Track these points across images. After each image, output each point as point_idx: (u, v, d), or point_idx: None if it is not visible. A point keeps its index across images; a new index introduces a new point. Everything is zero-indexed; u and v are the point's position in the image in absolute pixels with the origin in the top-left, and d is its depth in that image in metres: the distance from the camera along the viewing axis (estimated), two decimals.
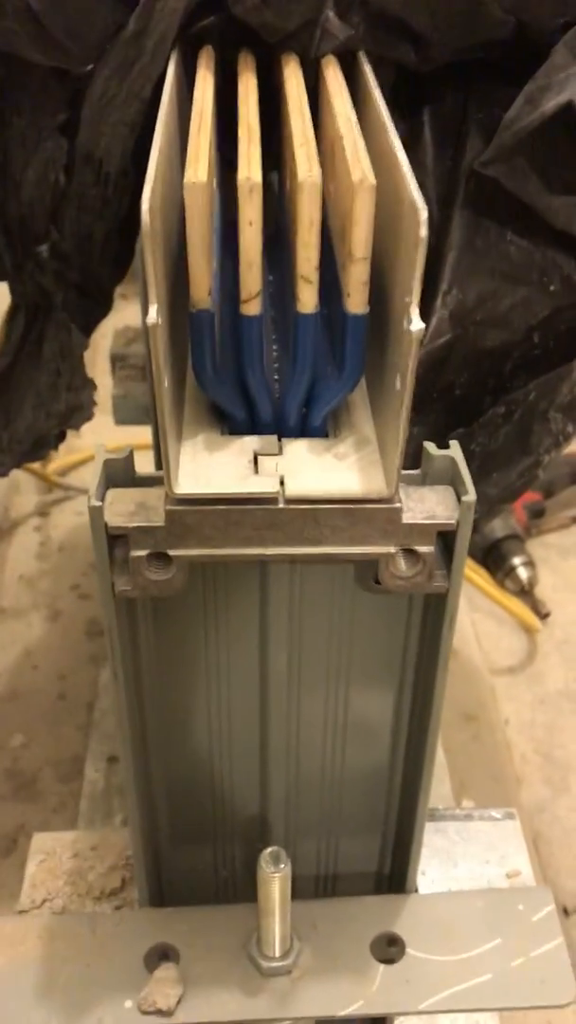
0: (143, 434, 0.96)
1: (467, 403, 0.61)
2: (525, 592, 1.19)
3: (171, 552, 0.37)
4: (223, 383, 0.39)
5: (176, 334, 0.37)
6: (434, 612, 0.42)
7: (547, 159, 0.51)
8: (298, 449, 0.39)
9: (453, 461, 0.39)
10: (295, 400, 0.39)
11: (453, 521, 0.38)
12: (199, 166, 0.34)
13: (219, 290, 0.39)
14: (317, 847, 0.56)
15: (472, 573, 1.16)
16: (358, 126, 0.38)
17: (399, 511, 0.37)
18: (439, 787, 0.80)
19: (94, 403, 0.60)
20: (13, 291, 0.61)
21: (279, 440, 0.40)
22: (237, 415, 0.40)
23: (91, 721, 0.86)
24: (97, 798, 0.74)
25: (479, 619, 1.15)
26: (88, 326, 0.61)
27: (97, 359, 1.02)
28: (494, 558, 1.21)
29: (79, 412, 0.61)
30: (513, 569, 1.19)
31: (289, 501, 0.37)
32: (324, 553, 0.38)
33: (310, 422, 0.40)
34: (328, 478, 0.38)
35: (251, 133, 0.37)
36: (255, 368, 0.38)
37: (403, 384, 0.35)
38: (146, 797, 0.50)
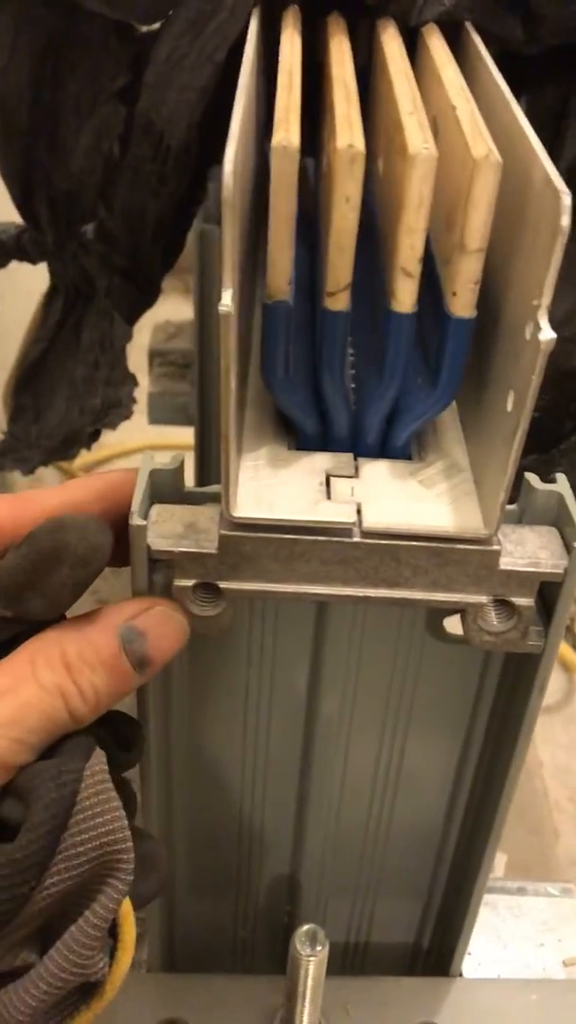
0: (178, 435, 0.91)
1: (546, 427, 0.55)
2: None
3: (222, 584, 0.32)
4: (295, 388, 0.33)
5: (239, 330, 0.32)
6: (518, 671, 0.36)
7: None
8: (378, 472, 0.33)
9: (561, 498, 0.33)
10: (377, 414, 0.33)
11: (560, 570, 0.32)
12: (291, 128, 0.29)
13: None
14: (351, 911, 0.50)
15: None
16: (471, 97, 0.32)
17: (496, 555, 0.31)
18: None
19: (134, 400, 0.55)
20: (53, 272, 0.56)
21: (355, 460, 0.34)
22: (308, 427, 0.34)
23: None
24: None
25: None
26: (132, 316, 0.55)
27: (132, 353, 0.96)
28: None
29: (116, 409, 0.55)
30: None
31: (366, 534, 0.31)
32: (402, 598, 0.32)
33: (392, 441, 0.34)
34: (413, 509, 0.32)
35: (349, 95, 0.32)
36: (335, 373, 0.32)
37: (520, 405, 0.29)
38: (165, 840, 0.44)
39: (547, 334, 0.27)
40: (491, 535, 0.31)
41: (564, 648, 1.09)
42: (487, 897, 0.49)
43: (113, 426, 0.55)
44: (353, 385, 0.36)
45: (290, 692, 0.40)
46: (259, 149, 0.37)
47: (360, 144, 0.28)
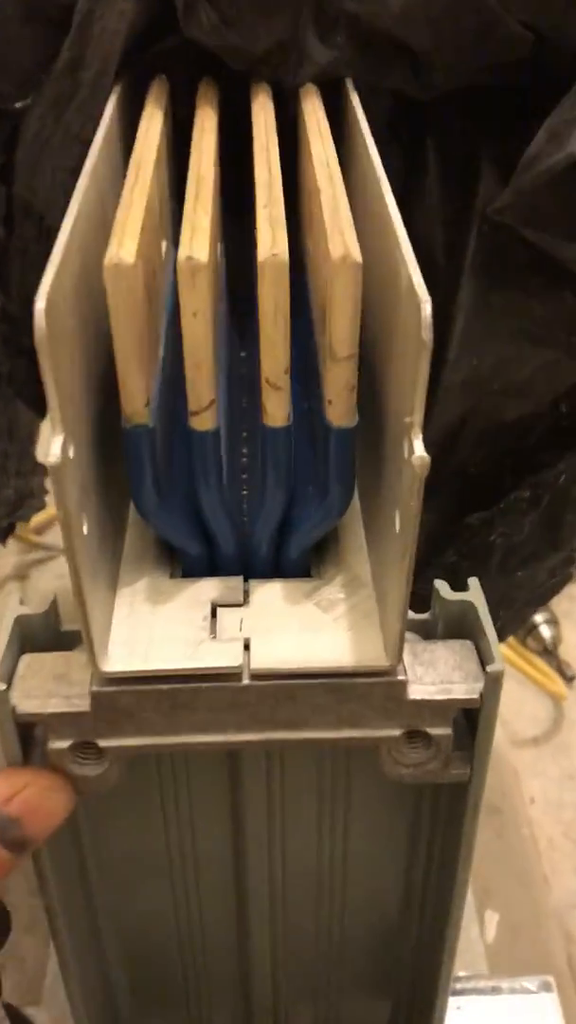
0: None
1: (485, 484, 0.52)
2: (548, 652, 1.09)
3: (101, 743, 0.28)
4: (171, 512, 0.30)
5: (116, 440, 0.28)
6: (451, 800, 0.33)
7: (574, 204, 0.42)
8: (270, 595, 0.30)
9: (473, 608, 0.30)
10: (266, 531, 0.30)
11: (476, 695, 0.28)
12: (125, 241, 0.25)
13: (170, 390, 0.30)
14: (315, 1014, 0.47)
15: None
16: (340, 178, 0.29)
17: (403, 685, 0.28)
18: None
19: (47, 491, 0.52)
20: None
21: (245, 582, 0.30)
22: (192, 550, 0.31)
23: None
24: None
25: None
26: (40, 402, 0.52)
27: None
28: None
29: (30, 500, 0.52)
30: (535, 627, 1.10)
31: (256, 676, 0.28)
32: (305, 739, 0.29)
33: (286, 557, 0.31)
34: (308, 641, 0.28)
35: (201, 190, 0.28)
36: (212, 493, 0.29)
37: (404, 525, 0.25)
38: (94, 960, 0.41)
39: (419, 454, 0.24)
40: (394, 665, 0.28)
41: (550, 676, 1.05)
42: (461, 999, 0.46)
43: (27, 518, 0.52)
44: (246, 490, 0.33)
45: (213, 839, 0.36)
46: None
47: (202, 255, 0.25)
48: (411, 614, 0.31)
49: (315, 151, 0.31)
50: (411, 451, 0.24)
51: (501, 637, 0.52)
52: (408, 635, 0.30)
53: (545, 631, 1.10)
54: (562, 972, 0.77)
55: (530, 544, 0.49)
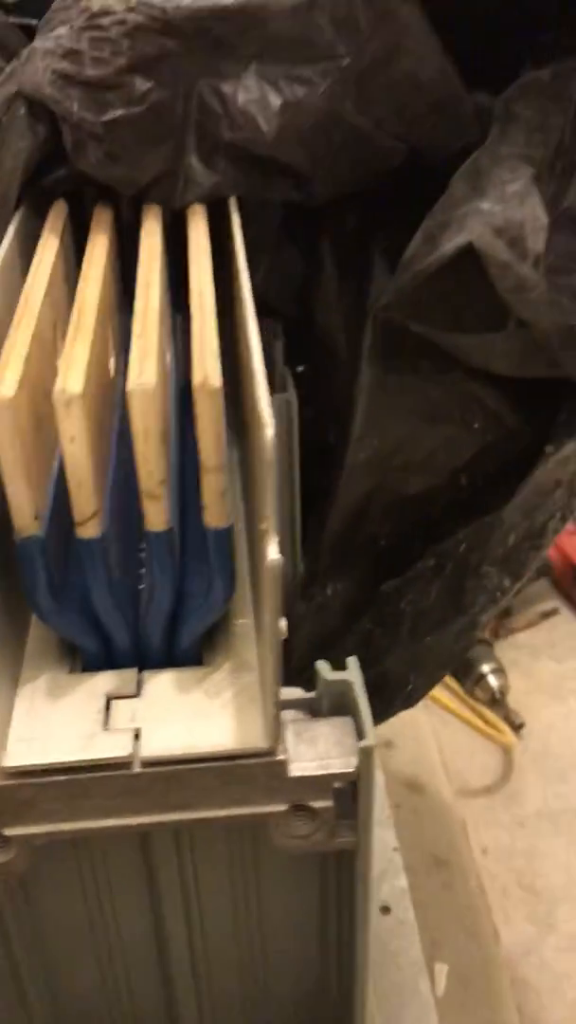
0: None
1: (395, 554, 0.55)
2: (496, 701, 1.12)
3: (6, 832, 0.30)
4: (67, 613, 0.32)
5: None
6: (346, 867, 0.35)
7: (453, 299, 0.46)
8: (162, 686, 0.33)
9: (350, 686, 0.33)
10: (157, 625, 0.33)
11: (352, 768, 0.31)
12: (7, 374, 0.28)
13: (123, 490, 0.33)
14: None
15: (438, 688, 1.09)
16: (211, 304, 0.33)
17: (283, 764, 0.31)
18: (409, 951, 0.72)
19: None
20: None
21: (140, 673, 0.33)
22: (89, 646, 0.33)
23: None
24: None
25: (449, 734, 1.08)
26: None
27: None
28: (462, 665, 1.14)
29: None
30: (483, 677, 1.12)
31: (146, 764, 0.30)
32: (196, 819, 0.31)
33: (178, 646, 0.33)
34: (195, 728, 0.31)
35: (82, 321, 0.32)
36: (102, 594, 0.32)
37: (272, 621, 0.28)
38: None
39: (273, 557, 0.27)
40: (273, 746, 0.30)
41: (497, 726, 1.08)
42: None
43: None
44: (143, 585, 0.36)
45: (133, 914, 0.38)
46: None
47: (76, 387, 0.28)
48: (301, 692, 0.33)
49: (193, 274, 0.35)
50: (264, 554, 0.27)
51: (413, 700, 0.54)
52: (295, 713, 0.33)
53: (492, 680, 1.13)
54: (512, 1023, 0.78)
55: (436, 611, 0.52)
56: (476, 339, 0.48)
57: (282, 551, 0.27)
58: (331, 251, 0.52)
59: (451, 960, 0.77)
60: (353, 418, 0.52)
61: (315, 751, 0.31)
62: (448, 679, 1.12)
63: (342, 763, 0.31)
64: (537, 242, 0.45)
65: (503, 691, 1.12)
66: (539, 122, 0.47)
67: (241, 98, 0.39)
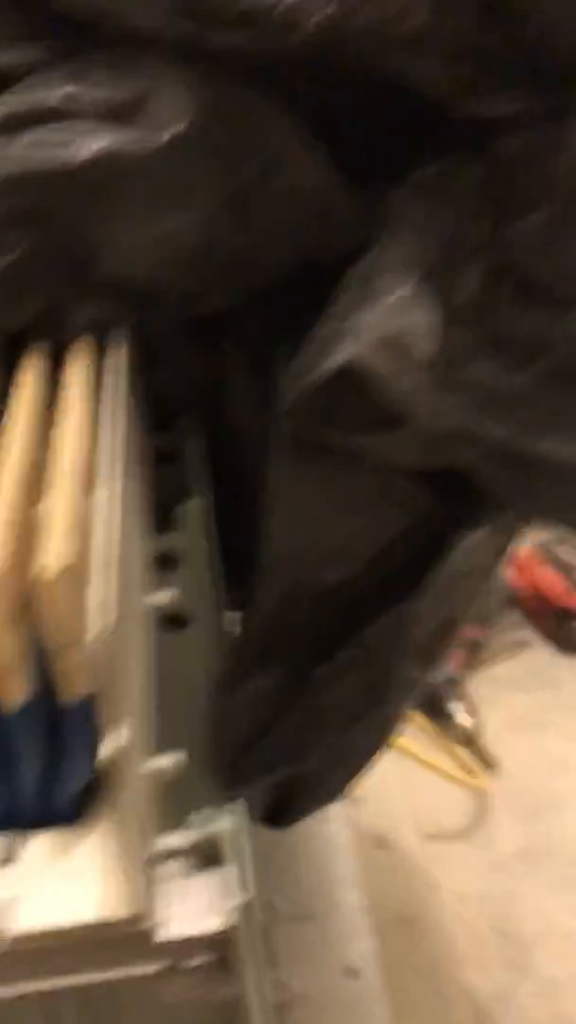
0: None
1: (319, 646, 0.55)
2: (470, 741, 1.12)
3: None
4: None
5: None
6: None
7: (345, 406, 0.46)
8: (37, 850, 0.33)
9: (222, 839, 0.33)
10: (29, 789, 0.33)
11: (222, 929, 0.31)
12: None
13: None
14: None
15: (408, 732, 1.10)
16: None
17: (151, 929, 0.31)
18: (379, 1016, 0.72)
19: None
20: None
21: (15, 838, 0.33)
22: None
23: None
24: None
25: (418, 780, 1.07)
26: None
27: None
28: (432, 705, 1.14)
29: None
30: (452, 717, 1.13)
31: (16, 935, 0.30)
32: (76, 985, 0.31)
33: (57, 805, 0.34)
34: (67, 896, 0.31)
35: None
36: None
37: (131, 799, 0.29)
38: None
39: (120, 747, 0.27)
40: (141, 912, 0.31)
41: (471, 769, 1.08)
42: None
43: None
44: None
45: None
46: None
47: None
48: (178, 842, 0.34)
49: (67, 423, 0.35)
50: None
51: (337, 796, 0.55)
52: (169, 870, 0.33)
53: (465, 720, 1.13)
54: None
55: (357, 704, 0.52)
56: (375, 439, 0.49)
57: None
58: (236, 356, 0.53)
59: (418, 1018, 0.77)
60: (268, 514, 0.53)
61: (185, 909, 0.32)
62: (419, 719, 1.12)
63: (213, 921, 0.31)
64: (425, 347, 0.45)
65: (477, 729, 1.13)
66: (427, 221, 0.48)
67: (114, 241, 0.40)
